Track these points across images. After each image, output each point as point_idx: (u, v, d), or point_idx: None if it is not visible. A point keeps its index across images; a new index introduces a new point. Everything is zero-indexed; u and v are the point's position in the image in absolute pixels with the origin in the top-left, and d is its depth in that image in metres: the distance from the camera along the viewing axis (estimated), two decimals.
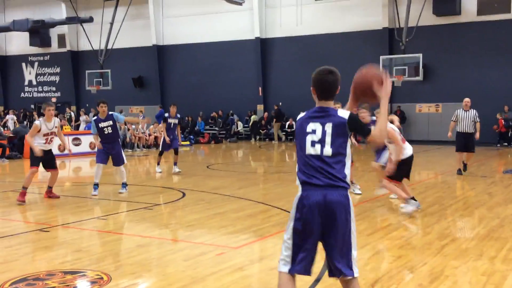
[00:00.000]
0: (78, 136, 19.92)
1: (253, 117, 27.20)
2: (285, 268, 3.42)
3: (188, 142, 24.08)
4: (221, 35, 27.70)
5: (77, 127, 26.45)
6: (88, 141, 19.48)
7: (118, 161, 10.30)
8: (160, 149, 13.87)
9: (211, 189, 10.69)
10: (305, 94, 22.90)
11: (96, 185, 10.10)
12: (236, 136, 27.25)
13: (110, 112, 10.39)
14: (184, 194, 10.05)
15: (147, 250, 6.16)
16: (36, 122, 9.31)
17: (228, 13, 27.10)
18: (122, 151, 10.56)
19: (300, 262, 3.39)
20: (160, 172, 13.64)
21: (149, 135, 22.66)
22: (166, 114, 13.68)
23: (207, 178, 12.63)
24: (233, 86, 27.41)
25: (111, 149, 10.24)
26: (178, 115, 13.66)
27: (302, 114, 3.50)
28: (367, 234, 6.77)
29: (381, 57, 22.29)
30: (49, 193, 9.68)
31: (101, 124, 10.11)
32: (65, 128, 20.92)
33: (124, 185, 10.31)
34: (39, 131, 9.18)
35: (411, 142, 9.40)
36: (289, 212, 7.35)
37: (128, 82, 29.32)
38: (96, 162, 10.31)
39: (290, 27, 26.27)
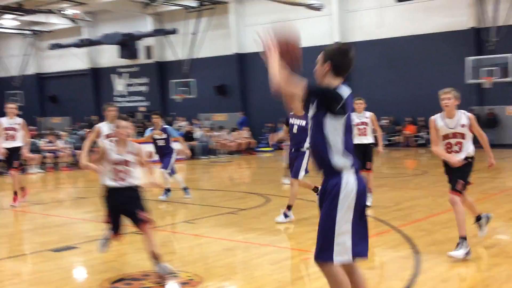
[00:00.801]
0: None
1: None
2: (346, 257, 3.24)
3: (271, 148, 24.29)
4: (301, 41, 27.78)
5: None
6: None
7: (172, 173, 10.41)
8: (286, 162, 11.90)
9: None
10: (388, 97, 22.52)
11: (185, 189, 10.49)
12: None
13: (165, 126, 10.46)
14: (268, 200, 10.17)
15: (233, 254, 6.32)
16: (96, 125, 8.28)
17: (307, 19, 27.09)
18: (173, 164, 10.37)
19: (360, 245, 3.31)
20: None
21: (232, 141, 23.12)
22: (290, 114, 11.52)
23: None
24: None
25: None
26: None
27: (348, 91, 3.43)
28: None
29: (467, 58, 21.36)
30: None
31: (155, 136, 10.26)
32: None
33: (186, 189, 10.46)
34: (98, 136, 8.07)
35: (502, 146, 8.93)
36: (379, 220, 7.25)
37: (211, 90, 30.08)
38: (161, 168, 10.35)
39: (371, 30, 25.84)
